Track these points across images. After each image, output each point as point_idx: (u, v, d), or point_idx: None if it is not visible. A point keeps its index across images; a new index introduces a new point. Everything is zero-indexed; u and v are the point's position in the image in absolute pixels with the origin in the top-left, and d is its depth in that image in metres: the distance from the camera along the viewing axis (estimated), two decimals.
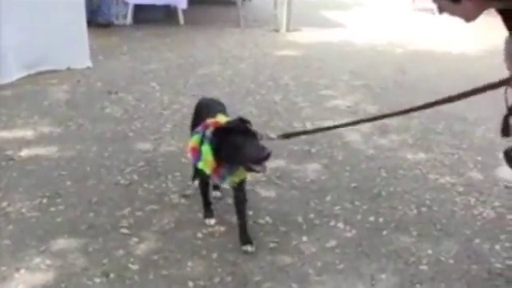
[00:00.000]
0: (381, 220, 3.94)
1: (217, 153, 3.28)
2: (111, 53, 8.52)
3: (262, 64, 8.28)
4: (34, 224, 3.75)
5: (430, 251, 3.57)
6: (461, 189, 4.44)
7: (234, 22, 11.29)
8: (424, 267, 3.41)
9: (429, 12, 12.37)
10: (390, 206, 4.13)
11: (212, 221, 3.75)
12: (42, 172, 4.51)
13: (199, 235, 3.65)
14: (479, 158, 5.00)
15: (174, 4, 11.05)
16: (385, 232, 3.79)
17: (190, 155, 3.51)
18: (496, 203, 4.23)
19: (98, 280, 3.19)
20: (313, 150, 5.05)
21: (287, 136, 3.75)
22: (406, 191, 4.37)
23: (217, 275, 3.25)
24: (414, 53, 9.19)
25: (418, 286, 3.23)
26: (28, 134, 5.25)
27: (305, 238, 3.68)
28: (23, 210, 3.91)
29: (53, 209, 3.95)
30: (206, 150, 3.29)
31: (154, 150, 5.00)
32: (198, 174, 3.62)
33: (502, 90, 2.78)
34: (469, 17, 2.55)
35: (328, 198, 4.22)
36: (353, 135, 5.44)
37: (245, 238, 3.51)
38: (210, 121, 3.43)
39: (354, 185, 4.45)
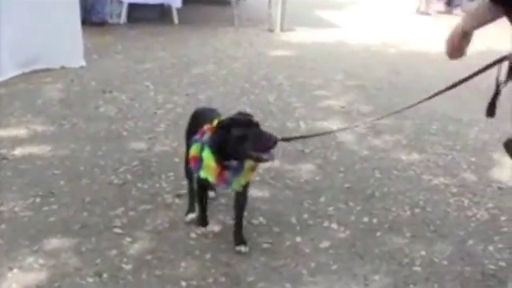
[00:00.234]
0: (374, 221, 3.94)
1: (219, 156, 3.21)
2: (105, 52, 8.50)
3: (256, 64, 8.28)
4: (27, 223, 3.74)
5: (423, 252, 3.57)
6: (454, 190, 4.45)
7: (229, 22, 11.28)
8: (417, 268, 3.41)
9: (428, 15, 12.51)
10: (384, 207, 4.14)
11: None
12: (35, 171, 4.49)
13: (193, 235, 3.64)
14: (473, 159, 5.02)
15: (169, 3, 11.02)
16: (378, 233, 3.79)
17: (191, 165, 3.44)
18: (489, 204, 4.24)
19: (91, 280, 3.18)
20: (307, 151, 5.05)
21: (287, 140, 3.73)
22: (399, 192, 4.38)
23: (210, 275, 3.24)
24: (408, 53, 9.19)
25: (411, 286, 3.24)
26: (21, 132, 5.23)
27: (298, 239, 3.68)
28: (16, 209, 3.90)
29: (46, 208, 3.93)
30: (207, 155, 3.23)
31: (148, 149, 4.99)
32: (199, 182, 3.50)
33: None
34: None
35: (322, 199, 4.22)
36: (347, 136, 5.45)
37: (239, 239, 3.50)
38: (206, 127, 3.38)
39: (347, 185, 4.45)
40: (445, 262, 3.49)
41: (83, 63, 7.63)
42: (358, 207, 4.12)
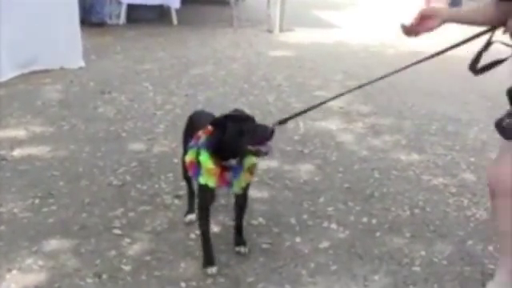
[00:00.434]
0: (374, 221, 3.94)
1: (217, 157, 3.15)
2: (104, 52, 8.50)
3: (255, 64, 8.28)
4: (26, 224, 3.73)
5: (423, 252, 3.57)
6: (454, 190, 4.45)
7: (228, 22, 11.28)
8: (417, 268, 3.41)
9: None
10: (383, 207, 4.13)
11: (214, 269, 3.29)
12: (34, 172, 4.49)
13: (192, 236, 3.63)
14: (472, 160, 5.01)
15: (168, 4, 11.03)
16: (378, 233, 3.79)
17: (190, 172, 3.37)
18: (489, 204, 4.21)
19: (90, 281, 3.18)
20: (306, 151, 5.05)
21: (284, 121, 3.66)
22: (399, 192, 4.37)
23: (209, 276, 3.24)
24: (407, 54, 9.18)
25: (411, 287, 3.24)
26: (20, 133, 5.23)
27: (298, 239, 3.67)
28: (15, 211, 3.90)
29: (45, 209, 3.93)
30: (205, 158, 3.16)
31: (147, 150, 4.99)
32: (201, 199, 3.37)
33: (496, 95, 2.79)
34: None
35: (321, 199, 4.22)
36: (346, 136, 5.45)
37: (239, 240, 3.50)
38: (201, 131, 3.33)
39: (347, 186, 4.45)
40: (444, 262, 3.49)
41: (82, 64, 7.63)
42: (358, 207, 4.12)
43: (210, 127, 3.23)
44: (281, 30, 10.97)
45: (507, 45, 2.72)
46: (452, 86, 7.03)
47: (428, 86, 7.31)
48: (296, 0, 13.16)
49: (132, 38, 9.64)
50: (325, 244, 3.63)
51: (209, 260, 3.32)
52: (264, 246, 3.58)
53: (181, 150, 3.74)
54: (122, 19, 10.80)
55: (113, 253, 3.44)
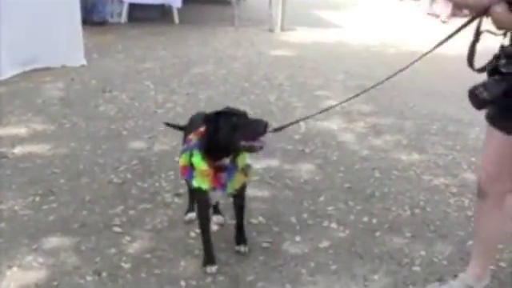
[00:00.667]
0: (374, 221, 3.94)
1: (210, 158, 3.10)
2: (106, 51, 8.50)
3: (257, 63, 8.27)
4: (26, 222, 3.74)
5: (423, 252, 3.57)
6: (454, 190, 4.45)
7: (229, 22, 11.28)
8: (417, 268, 3.41)
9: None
10: (384, 207, 4.13)
11: (213, 268, 3.29)
12: (35, 170, 4.49)
13: (192, 234, 3.63)
14: (473, 160, 5.00)
15: (169, 3, 11.02)
16: (378, 233, 3.79)
17: (183, 176, 3.36)
18: None
19: (90, 278, 3.18)
20: (307, 150, 5.05)
21: (279, 129, 3.66)
22: (399, 192, 4.37)
23: (209, 275, 3.24)
24: (409, 54, 9.16)
25: (410, 287, 3.24)
26: (21, 131, 5.23)
27: (298, 238, 3.67)
28: (16, 208, 3.90)
29: (45, 207, 3.94)
30: (198, 160, 3.12)
31: (148, 148, 4.99)
32: (199, 204, 3.36)
33: None
34: None
35: (321, 199, 4.21)
36: (347, 136, 5.45)
37: (239, 239, 3.48)
38: (192, 135, 3.31)
39: (347, 185, 4.44)
40: (444, 262, 3.48)
41: (84, 62, 7.63)
42: (358, 207, 4.11)
43: (201, 129, 3.21)
44: (282, 30, 10.96)
45: (492, 33, 2.72)
46: (453, 86, 7.01)
47: (429, 86, 7.30)
48: (297, 0, 13.16)
49: (133, 37, 9.63)
50: (325, 243, 3.63)
51: (209, 259, 3.31)
52: (264, 244, 3.58)
53: (183, 145, 3.74)
54: (124, 18, 10.79)
55: (113, 251, 3.44)
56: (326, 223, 3.88)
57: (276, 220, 3.88)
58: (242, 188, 3.37)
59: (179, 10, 10.95)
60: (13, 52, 6.79)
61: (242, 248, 3.45)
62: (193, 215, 3.74)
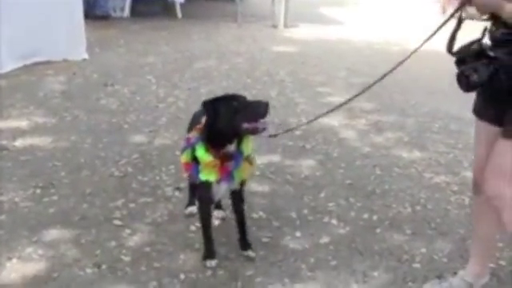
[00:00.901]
0: (375, 217, 3.93)
1: (213, 147, 3.05)
2: (108, 45, 8.50)
3: (259, 59, 8.27)
4: (26, 214, 3.74)
5: (423, 249, 3.56)
6: (455, 188, 4.44)
7: (232, 17, 11.28)
8: (417, 265, 3.40)
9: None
10: (384, 204, 4.12)
11: (213, 262, 3.28)
12: (36, 162, 4.49)
13: (192, 228, 3.63)
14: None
15: None
16: (378, 230, 3.78)
17: (188, 174, 3.30)
18: None
19: (89, 271, 3.17)
20: (308, 146, 5.05)
21: (273, 136, 3.66)
22: (400, 189, 4.36)
23: (209, 269, 3.23)
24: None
25: (410, 283, 3.23)
26: (23, 124, 5.24)
27: (298, 234, 3.66)
28: (16, 200, 3.90)
29: (46, 199, 3.93)
30: (201, 152, 3.08)
31: (149, 142, 4.99)
32: (202, 199, 3.31)
33: None
34: None
35: (322, 195, 4.21)
36: (348, 132, 5.44)
37: (245, 244, 3.41)
38: (191, 134, 3.27)
39: (348, 182, 4.44)
40: (444, 260, 3.48)
41: (85, 56, 7.64)
42: (359, 204, 4.11)
43: (198, 126, 3.18)
44: (285, 26, 10.97)
45: (474, 19, 2.72)
46: (455, 84, 7.00)
47: (431, 84, 7.29)
48: None
49: (136, 32, 9.64)
50: (325, 239, 3.62)
51: (209, 253, 3.30)
52: (264, 239, 3.58)
53: (181, 143, 3.73)
54: (126, 12, 10.81)
55: (113, 243, 3.44)
56: (326, 219, 3.87)
57: (276, 215, 3.88)
58: (242, 184, 3.32)
59: (182, 5, 10.96)
60: (14, 45, 6.80)
61: (251, 253, 3.38)
62: (193, 209, 3.73)
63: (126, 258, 3.30)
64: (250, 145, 3.20)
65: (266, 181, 4.35)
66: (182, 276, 3.17)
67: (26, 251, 3.32)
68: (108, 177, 4.32)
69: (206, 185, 3.14)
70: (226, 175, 3.13)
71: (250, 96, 6.20)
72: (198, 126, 3.21)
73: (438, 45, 2.92)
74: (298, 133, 5.30)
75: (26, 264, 3.21)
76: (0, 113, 5.48)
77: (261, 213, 3.89)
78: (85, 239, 3.48)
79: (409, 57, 3.16)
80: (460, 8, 2.76)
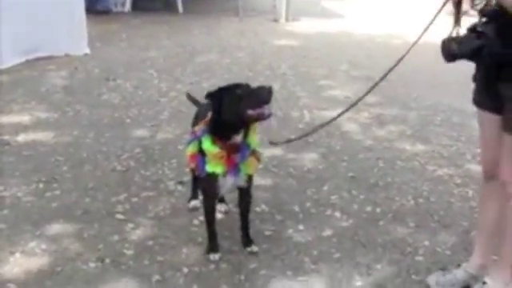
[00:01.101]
0: (378, 210, 3.92)
1: (220, 138, 3.03)
2: (109, 40, 8.50)
3: (260, 53, 8.26)
4: (29, 209, 3.74)
5: (426, 242, 3.55)
6: (458, 181, 4.43)
7: (233, 12, 11.25)
8: (420, 258, 3.39)
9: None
10: (387, 197, 4.11)
11: (217, 256, 3.28)
12: (38, 157, 4.49)
13: (195, 222, 3.62)
14: (478, 151, 4.95)
15: None
16: (381, 222, 3.77)
17: (194, 166, 3.25)
18: None
19: (92, 265, 3.17)
20: (310, 140, 5.02)
21: (275, 143, 3.65)
22: (403, 182, 4.35)
23: (212, 262, 3.23)
24: (415, 44, 9.13)
25: (414, 276, 3.22)
26: (25, 119, 5.24)
27: (301, 227, 3.66)
28: (19, 195, 3.90)
29: (48, 194, 3.93)
30: (208, 143, 3.06)
31: (151, 136, 4.99)
32: (206, 193, 3.29)
33: None
34: None
35: (325, 188, 4.20)
36: (351, 125, 5.43)
37: (247, 240, 3.39)
38: (196, 127, 3.27)
39: (351, 174, 4.43)
40: (448, 252, 3.47)
41: (87, 51, 7.64)
42: (362, 196, 4.10)
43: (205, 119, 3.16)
44: (286, 20, 10.94)
45: (465, 13, 2.72)
46: (458, 76, 6.97)
47: (434, 77, 7.27)
48: None
49: (137, 26, 9.63)
50: (328, 232, 3.62)
51: (213, 247, 3.30)
52: (267, 233, 3.57)
53: (185, 137, 3.72)
54: (128, 7, 10.80)
55: (115, 237, 3.44)
56: (329, 212, 3.87)
57: (279, 208, 3.87)
58: (250, 180, 3.30)
59: (183, 0, 10.93)
60: (15, 41, 6.80)
61: (255, 248, 3.36)
62: (196, 203, 3.73)
63: (129, 252, 3.30)
64: (255, 137, 3.18)
65: (269, 174, 4.35)
66: (185, 269, 3.16)
67: (28, 246, 3.32)
68: (110, 171, 4.31)
69: (212, 177, 3.12)
70: (233, 168, 3.11)
71: None
72: (204, 120, 3.19)
73: (440, 38, 2.90)
74: (300, 126, 5.30)
75: (28, 258, 3.21)
76: (2, 108, 5.48)
77: (264, 206, 3.88)
78: (87, 233, 3.48)
79: (408, 51, 3.15)
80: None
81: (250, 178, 3.28)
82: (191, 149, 3.22)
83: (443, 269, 3.20)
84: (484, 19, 2.65)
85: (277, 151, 4.70)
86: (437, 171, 4.58)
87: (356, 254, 3.41)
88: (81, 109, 5.56)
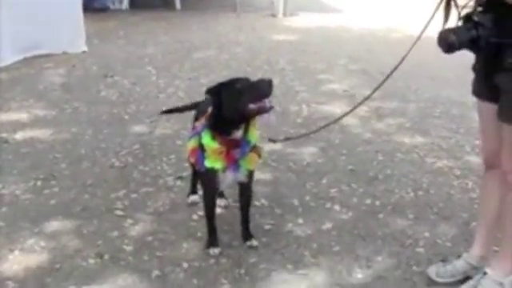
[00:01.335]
0: (377, 203, 3.91)
1: (220, 134, 3.02)
2: (107, 37, 8.48)
3: (258, 48, 8.24)
4: (28, 206, 3.73)
5: (426, 234, 3.54)
6: (458, 172, 4.42)
7: (231, 7, 11.22)
8: (420, 249, 3.38)
9: None
10: (387, 189, 4.10)
11: (216, 250, 3.27)
12: (36, 154, 4.49)
13: (194, 217, 3.62)
14: (477, 142, 4.96)
15: None
16: (381, 215, 3.76)
17: (194, 161, 3.23)
18: None
19: (92, 261, 3.17)
20: None
21: (274, 141, 3.65)
22: (402, 174, 4.34)
23: (212, 257, 3.22)
24: (413, 38, 9.11)
25: (414, 267, 3.21)
26: (23, 116, 5.23)
27: (300, 221, 3.65)
28: (17, 192, 3.89)
29: (47, 191, 3.93)
30: (207, 139, 3.05)
31: (150, 132, 4.98)
32: (206, 188, 3.28)
33: None
34: None
35: (324, 181, 4.19)
36: (350, 119, 5.39)
37: (247, 234, 3.38)
38: (197, 123, 3.26)
39: (350, 168, 4.42)
40: (448, 244, 3.46)
41: (85, 48, 7.63)
42: (361, 189, 4.09)
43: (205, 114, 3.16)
44: (284, 15, 10.91)
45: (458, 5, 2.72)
46: (457, 69, 6.96)
47: (432, 69, 7.25)
48: None
49: (135, 23, 9.61)
50: (328, 225, 3.61)
51: (212, 242, 3.29)
52: (266, 227, 3.56)
53: (183, 132, 3.71)
54: (125, 4, 10.79)
55: (115, 233, 3.43)
56: (328, 205, 3.86)
57: (278, 202, 3.86)
58: (251, 176, 3.29)
59: None
60: (14, 38, 6.79)
61: (254, 242, 3.35)
62: (195, 197, 3.72)
63: (128, 248, 3.29)
64: (255, 133, 3.17)
65: (268, 168, 4.34)
66: (185, 264, 3.16)
67: (27, 243, 3.31)
68: (109, 167, 4.31)
69: (212, 173, 3.11)
70: (233, 163, 3.10)
71: None
72: (205, 115, 3.19)
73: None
74: (299, 120, 5.29)
75: (28, 256, 3.20)
76: (0, 106, 5.47)
77: (263, 200, 3.87)
78: (86, 230, 3.47)
79: (410, 50, 3.15)
80: None
81: (250, 174, 3.27)
82: (192, 143, 3.22)
83: (444, 260, 3.19)
84: (480, 8, 2.64)
85: (276, 146, 4.67)
86: (436, 163, 4.57)
87: (356, 246, 3.40)
88: (79, 106, 5.55)
